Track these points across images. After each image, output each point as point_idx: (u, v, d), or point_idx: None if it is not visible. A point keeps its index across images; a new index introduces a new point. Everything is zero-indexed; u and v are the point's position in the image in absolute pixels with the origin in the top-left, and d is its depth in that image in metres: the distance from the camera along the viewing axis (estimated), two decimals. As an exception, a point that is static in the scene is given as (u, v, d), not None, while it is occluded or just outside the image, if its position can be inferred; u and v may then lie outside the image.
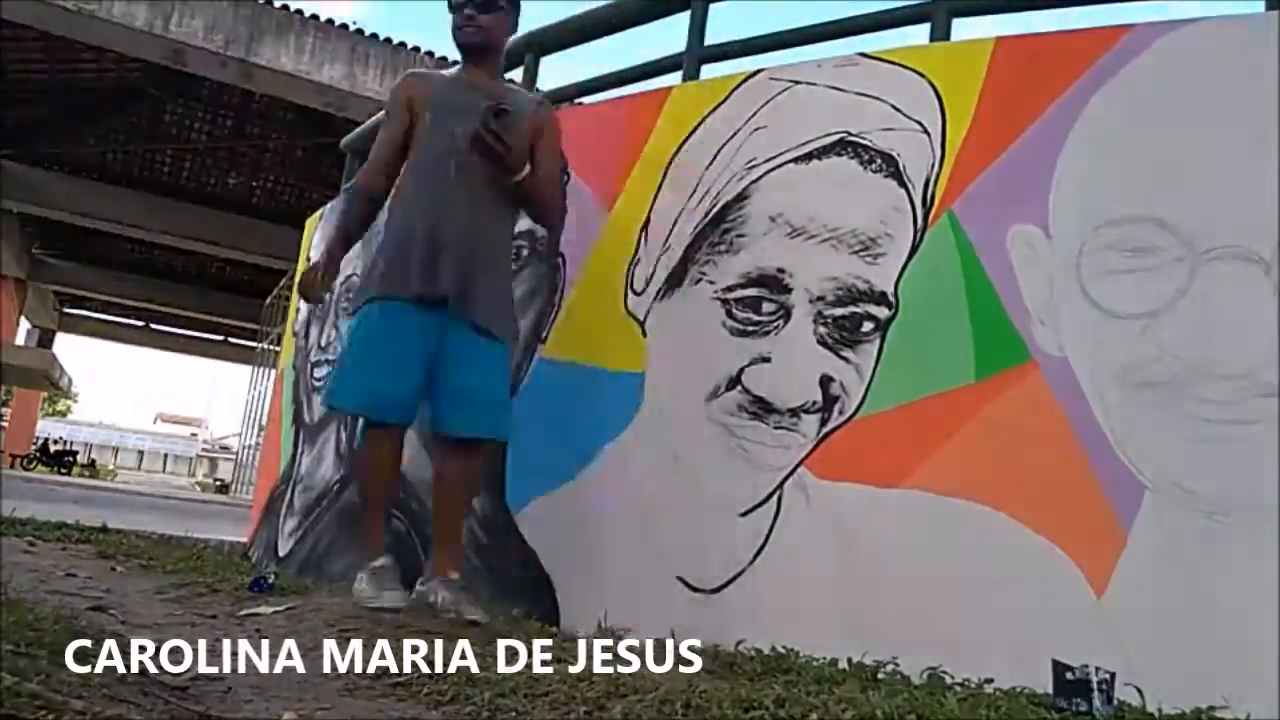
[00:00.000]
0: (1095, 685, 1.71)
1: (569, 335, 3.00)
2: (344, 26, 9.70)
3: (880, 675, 2.02)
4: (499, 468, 3.03)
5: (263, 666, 1.85)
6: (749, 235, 2.65)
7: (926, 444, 2.28)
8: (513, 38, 3.11)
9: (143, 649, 1.84)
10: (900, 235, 2.43)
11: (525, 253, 3.23)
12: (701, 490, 2.57)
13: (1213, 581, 1.93)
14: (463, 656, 1.86)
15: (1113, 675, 1.75)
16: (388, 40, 9.91)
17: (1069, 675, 1.74)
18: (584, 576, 2.72)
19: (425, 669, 1.78)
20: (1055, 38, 2.41)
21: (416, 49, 9.96)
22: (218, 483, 23.95)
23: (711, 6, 3.17)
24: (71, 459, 24.02)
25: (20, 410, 25.86)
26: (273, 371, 11.31)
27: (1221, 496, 1.95)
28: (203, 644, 2.02)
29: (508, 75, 3.15)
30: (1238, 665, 1.86)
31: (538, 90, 3.74)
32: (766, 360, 2.54)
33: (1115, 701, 1.73)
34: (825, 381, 2.45)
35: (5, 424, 24.19)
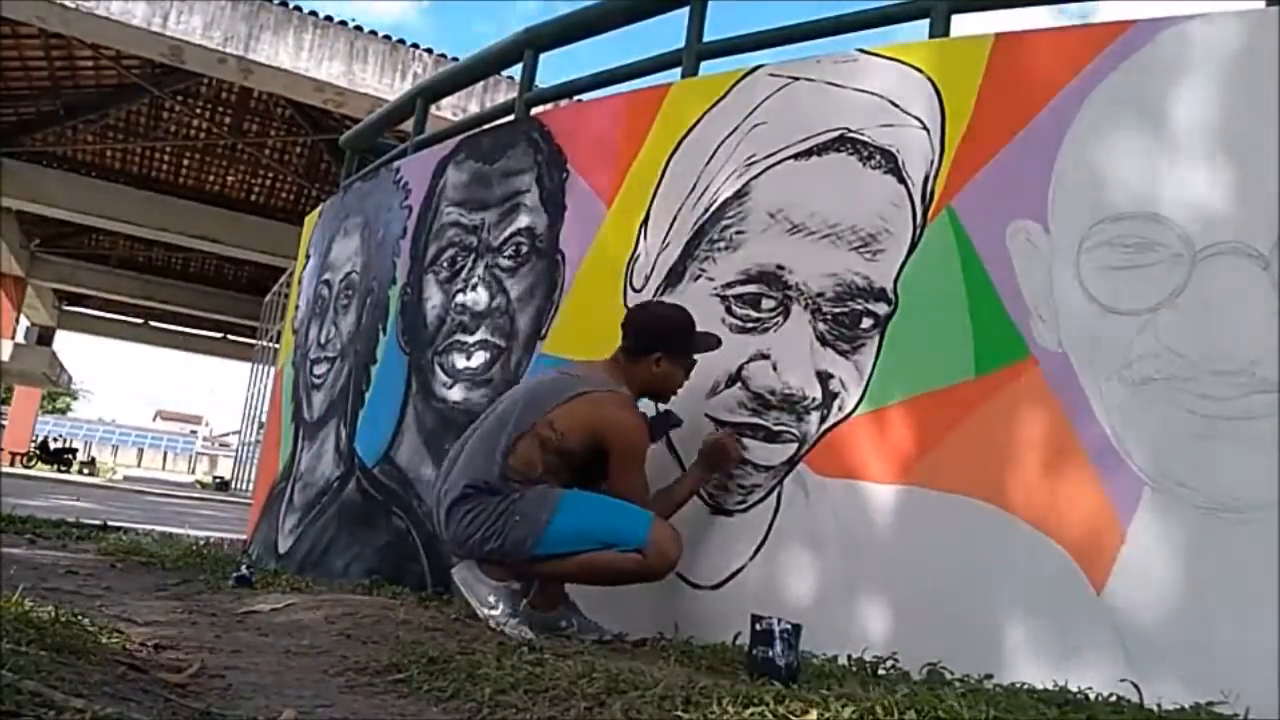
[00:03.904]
0: (778, 635, 1.87)
1: (568, 332, 3.01)
2: (343, 23, 9.67)
3: (880, 671, 2.02)
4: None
5: (263, 663, 1.85)
6: (748, 232, 2.65)
7: (926, 440, 2.28)
8: (511, 34, 3.10)
9: (142, 646, 1.84)
10: (900, 231, 2.43)
11: (524, 249, 3.23)
12: (701, 487, 2.56)
13: (1211, 577, 1.94)
14: (463, 653, 1.86)
15: (796, 627, 1.87)
16: (386, 37, 9.89)
17: (758, 626, 1.89)
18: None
19: (426, 665, 1.78)
20: (1055, 33, 2.41)
21: (415, 46, 9.95)
22: (218, 480, 23.89)
23: (710, 3, 3.16)
24: (71, 456, 23.98)
25: (20, 408, 25.85)
26: (272, 368, 11.30)
27: (1220, 492, 1.96)
28: (203, 641, 2.02)
29: (505, 73, 3.13)
30: (1237, 661, 1.86)
31: (536, 87, 3.74)
32: (766, 357, 2.54)
33: (798, 650, 1.87)
34: (824, 378, 2.45)
35: (5, 422, 24.18)
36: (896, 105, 2.51)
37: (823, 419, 2.43)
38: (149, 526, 5.67)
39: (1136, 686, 1.81)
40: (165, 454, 56.44)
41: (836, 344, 2.45)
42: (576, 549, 2.29)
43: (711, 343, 2.53)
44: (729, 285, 2.64)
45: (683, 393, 2.61)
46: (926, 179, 2.43)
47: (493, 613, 2.30)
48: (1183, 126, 2.17)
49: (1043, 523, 2.10)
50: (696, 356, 2.56)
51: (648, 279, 2.83)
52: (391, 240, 3.83)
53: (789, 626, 1.87)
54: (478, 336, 3.28)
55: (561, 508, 2.31)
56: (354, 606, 2.49)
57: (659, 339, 2.51)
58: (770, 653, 1.85)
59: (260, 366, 18.84)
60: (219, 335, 25.34)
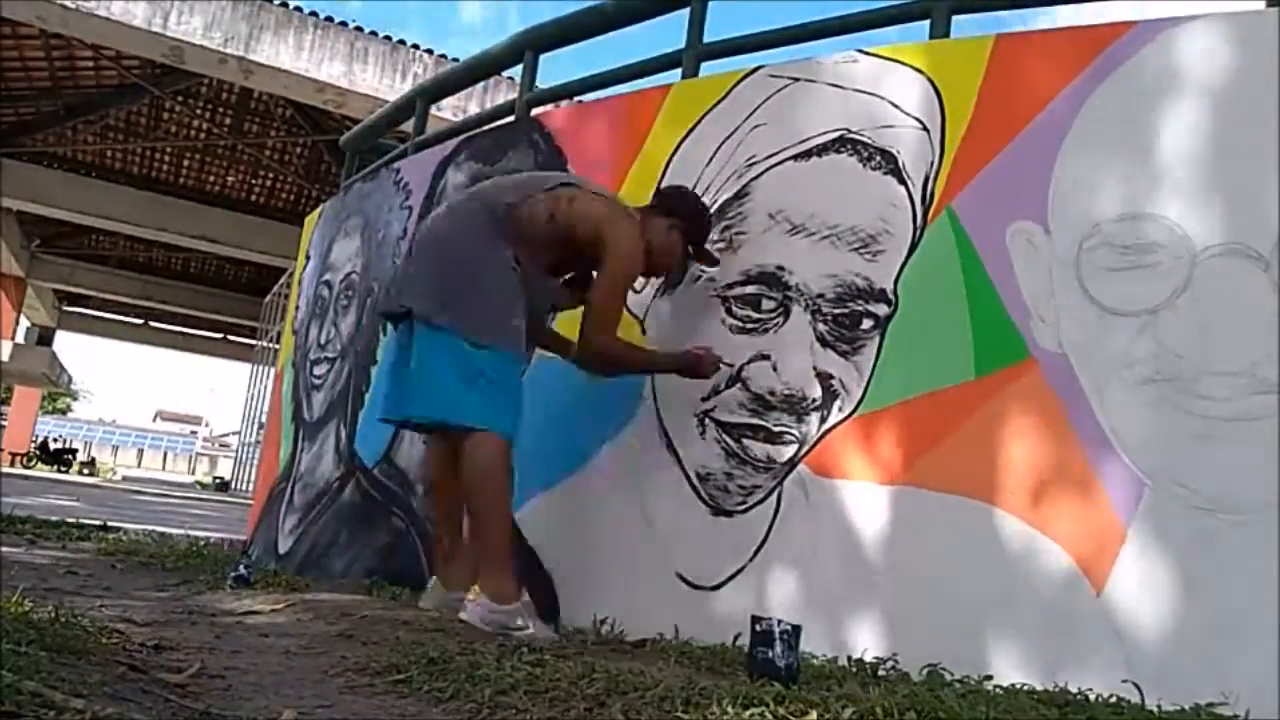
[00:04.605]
0: (779, 636, 1.87)
1: (569, 333, 3.00)
2: (343, 23, 9.69)
3: (880, 672, 2.02)
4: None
5: (263, 663, 1.85)
6: (748, 233, 2.65)
7: (926, 441, 2.28)
8: (511, 35, 3.09)
9: (142, 646, 1.84)
10: (900, 232, 2.43)
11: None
12: (701, 487, 2.57)
13: (1211, 578, 1.94)
14: (463, 653, 1.86)
15: (796, 628, 1.87)
16: (386, 37, 9.90)
17: (758, 627, 1.89)
18: (584, 574, 2.72)
19: (426, 666, 1.78)
20: (1055, 34, 2.41)
21: (415, 46, 9.95)
22: (218, 480, 23.90)
23: (710, 3, 3.16)
24: (71, 457, 23.99)
25: (20, 408, 25.86)
26: (272, 369, 11.29)
27: (1221, 493, 1.96)
28: (202, 641, 2.02)
29: (505, 74, 3.14)
30: (1237, 662, 1.86)
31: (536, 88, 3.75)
32: (766, 358, 2.54)
33: (798, 651, 1.88)
34: (824, 379, 2.45)
35: (5, 422, 24.17)
36: (896, 106, 2.51)
37: (823, 420, 2.43)
38: (147, 527, 5.66)
39: (1137, 687, 1.81)
40: (165, 454, 56.45)
41: (837, 345, 2.45)
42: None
43: (710, 259, 2.62)
44: (729, 286, 2.65)
45: (681, 393, 2.61)
46: (926, 180, 2.43)
47: (525, 634, 2.25)
48: (1183, 128, 2.17)
49: (1042, 523, 2.10)
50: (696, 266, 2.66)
51: (648, 279, 2.83)
52: (392, 241, 3.83)
53: (789, 628, 1.87)
54: (478, 337, 3.27)
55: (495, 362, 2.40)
56: (354, 607, 2.49)
57: (687, 212, 2.60)
58: (770, 654, 1.85)
59: (260, 367, 18.83)
60: (219, 336, 25.34)
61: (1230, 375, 2.00)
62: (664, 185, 2.75)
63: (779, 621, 1.89)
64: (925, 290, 2.37)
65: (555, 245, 2.53)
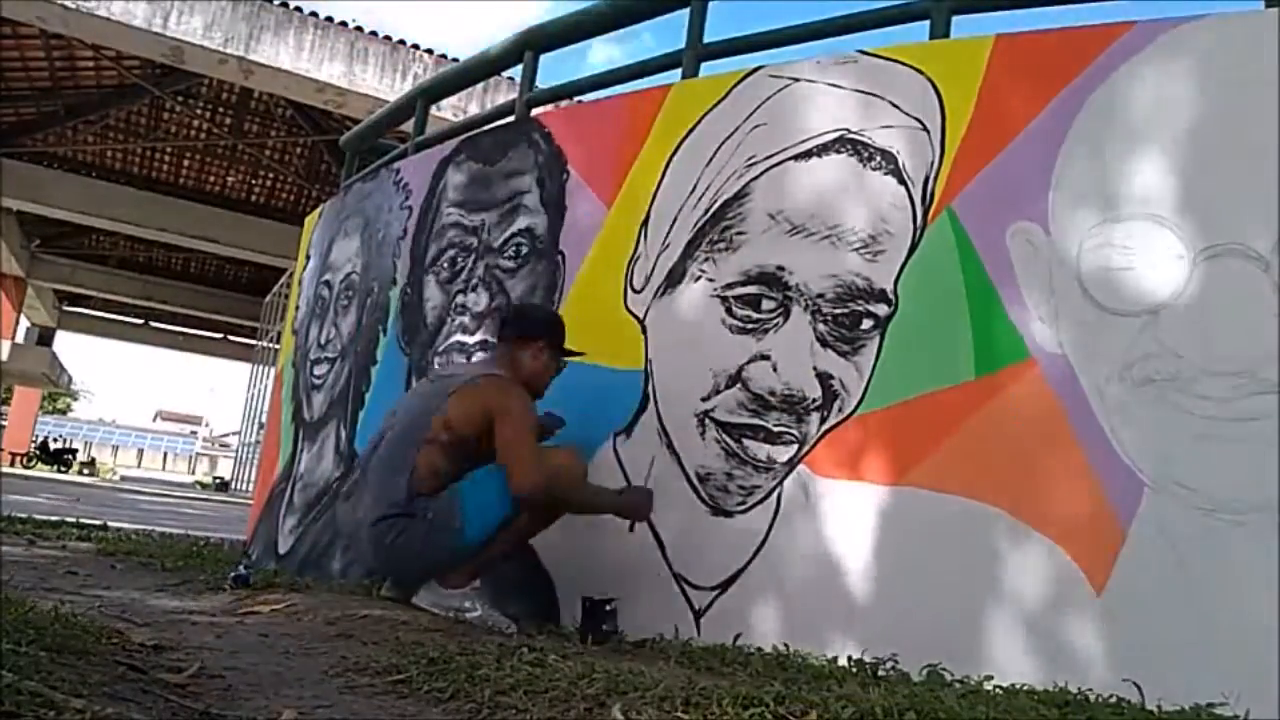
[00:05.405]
0: (606, 613, 2.39)
1: (569, 333, 3.00)
2: (343, 24, 9.69)
3: (880, 672, 2.02)
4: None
5: (262, 663, 1.85)
6: (748, 233, 2.65)
7: (926, 441, 2.28)
8: (511, 35, 3.06)
9: (142, 646, 1.84)
10: (900, 232, 2.43)
11: (525, 250, 3.23)
12: (701, 488, 2.57)
13: (1211, 578, 1.94)
14: (463, 653, 1.86)
15: (611, 603, 2.36)
16: (386, 37, 9.89)
17: (587, 602, 2.41)
18: (584, 574, 2.72)
19: (426, 666, 1.78)
20: (1055, 35, 2.41)
21: (415, 46, 9.95)
22: (218, 480, 23.90)
23: (710, 4, 3.16)
24: (71, 457, 23.99)
25: (20, 408, 25.86)
26: (272, 369, 11.30)
27: (1220, 493, 1.96)
28: (202, 641, 2.02)
29: (505, 74, 3.15)
30: (1237, 663, 1.86)
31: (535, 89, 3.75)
32: (766, 358, 2.54)
33: (618, 625, 2.37)
34: (825, 379, 2.45)
35: (5, 422, 24.17)
36: (897, 106, 2.51)
37: (823, 420, 2.43)
38: (147, 527, 5.66)
39: (1137, 687, 1.81)
40: (165, 454, 56.44)
41: (837, 345, 2.45)
42: (499, 520, 2.45)
43: (575, 354, 2.73)
44: (729, 286, 2.65)
45: (681, 393, 2.61)
46: (927, 180, 2.43)
47: (474, 615, 2.44)
48: (1182, 128, 2.17)
49: (1043, 524, 2.10)
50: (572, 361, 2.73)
51: (648, 279, 2.84)
52: (392, 241, 3.83)
53: (612, 607, 2.34)
54: (478, 337, 3.28)
55: (466, 502, 2.44)
56: (353, 607, 2.49)
57: (543, 329, 2.71)
58: (594, 625, 2.33)
59: (260, 367, 18.84)
60: (219, 336, 25.35)
61: (1230, 375, 2.00)
62: (628, 306, 2.85)
63: (610, 600, 2.37)
64: (925, 290, 2.37)
65: (464, 456, 2.50)
